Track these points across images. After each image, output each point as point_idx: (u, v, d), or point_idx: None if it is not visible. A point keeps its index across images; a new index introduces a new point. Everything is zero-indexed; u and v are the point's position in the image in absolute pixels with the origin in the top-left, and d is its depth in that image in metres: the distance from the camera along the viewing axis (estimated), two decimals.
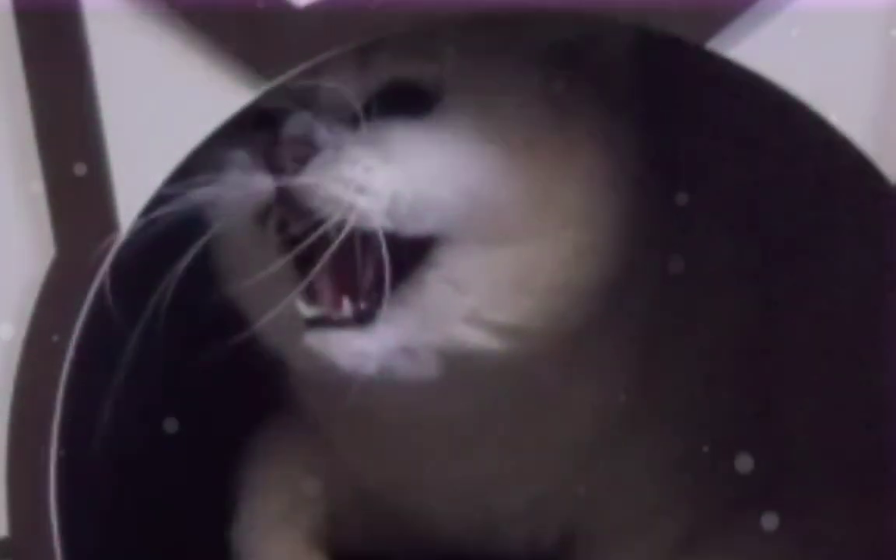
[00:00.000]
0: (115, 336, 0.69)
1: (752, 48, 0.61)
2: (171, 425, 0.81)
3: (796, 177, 0.78)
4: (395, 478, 0.84)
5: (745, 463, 0.76)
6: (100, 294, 0.68)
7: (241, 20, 0.64)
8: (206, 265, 0.73)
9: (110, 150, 0.66)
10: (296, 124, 0.70)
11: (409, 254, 0.71)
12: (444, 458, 0.81)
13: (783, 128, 0.66)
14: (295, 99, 0.70)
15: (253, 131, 0.71)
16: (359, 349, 0.70)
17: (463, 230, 0.71)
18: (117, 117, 0.66)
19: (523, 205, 0.71)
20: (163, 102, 0.66)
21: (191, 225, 0.69)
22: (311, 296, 0.71)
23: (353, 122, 0.70)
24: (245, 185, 0.70)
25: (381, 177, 0.69)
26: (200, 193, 0.69)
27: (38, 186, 0.67)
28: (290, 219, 0.69)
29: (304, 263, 0.70)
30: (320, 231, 0.68)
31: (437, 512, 0.85)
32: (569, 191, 0.73)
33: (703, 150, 0.81)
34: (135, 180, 0.67)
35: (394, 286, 0.69)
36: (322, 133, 0.69)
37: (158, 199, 0.67)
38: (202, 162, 0.70)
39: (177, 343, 0.71)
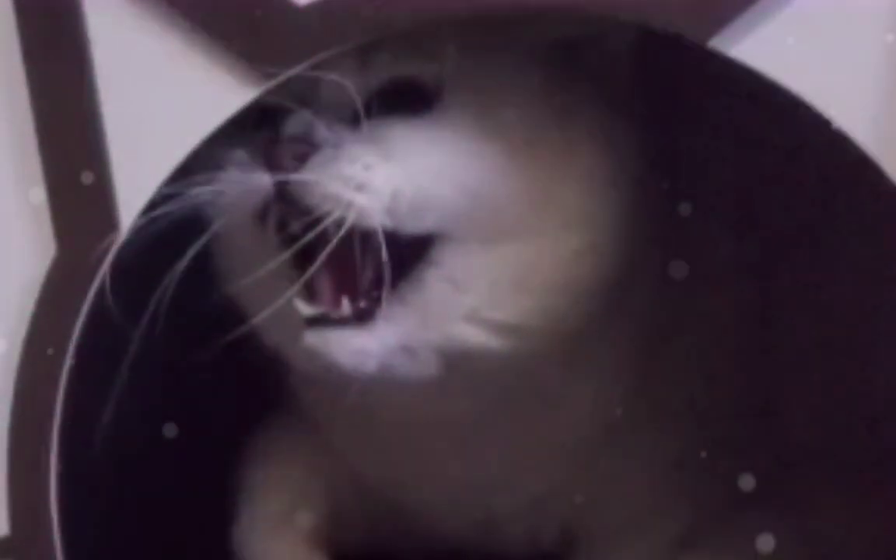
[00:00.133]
0: (115, 335, 0.69)
1: (753, 47, 0.61)
2: (170, 430, 0.81)
3: (797, 175, 0.79)
4: (395, 476, 0.84)
5: (747, 482, 0.76)
6: (100, 293, 0.68)
7: (241, 18, 0.64)
8: (206, 264, 0.73)
9: (111, 149, 0.66)
10: (296, 122, 0.70)
11: (409, 252, 0.71)
12: (444, 456, 0.81)
13: (784, 126, 0.66)
14: (295, 97, 0.70)
15: (253, 129, 0.71)
16: (358, 348, 0.70)
17: (463, 229, 0.71)
18: (118, 116, 0.66)
19: (523, 204, 0.71)
20: (163, 101, 0.66)
21: (191, 224, 0.69)
22: (310, 294, 0.71)
23: (353, 120, 0.70)
24: (245, 183, 0.70)
25: (381, 175, 0.69)
26: (200, 192, 0.69)
27: (38, 184, 0.67)
28: (290, 217, 0.69)
29: (303, 261, 0.70)
30: (320, 229, 0.68)
31: (437, 511, 0.85)
32: (569, 190, 0.73)
33: (703, 149, 0.81)
34: (135, 179, 0.67)
35: (393, 284, 0.69)
36: (322, 131, 0.69)
37: (159, 198, 0.67)
38: (202, 161, 0.70)
39: (177, 342, 0.71)
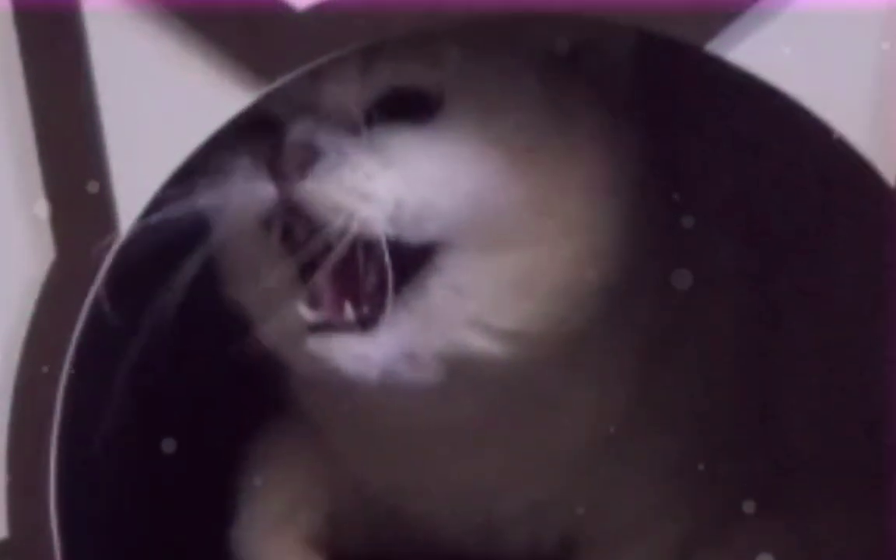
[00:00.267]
0: (115, 338, 0.69)
1: (750, 50, 0.61)
2: (170, 436, 0.81)
3: (795, 180, 0.78)
4: (396, 482, 0.84)
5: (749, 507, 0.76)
6: (99, 297, 0.68)
7: (240, 22, 0.64)
8: (209, 270, 0.73)
9: (110, 153, 0.66)
10: (298, 131, 0.70)
11: (412, 259, 0.71)
12: (446, 461, 0.81)
13: (782, 131, 0.66)
14: (297, 105, 0.71)
15: (255, 136, 0.71)
16: (361, 354, 0.70)
17: (465, 236, 0.71)
18: (117, 120, 0.66)
19: (524, 210, 0.71)
20: (162, 105, 0.66)
21: (193, 231, 0.69)
22: (313, 301, 0.71)
23: (355, 128, 0.70)
24: (248, 192, 0.70)
25: (384, 183, 0.69)
26: (202, 200, 0.69)
27: (37, 188, 0.67)
28: (293, 225, 0.70)
29: (307, 269, 0.70)
30: (323, 237, 0.68)
31: (438, 515, 0.85)
32: (570, 196, 0.73)
33: (702, 155, 0.81)
34: (134, 183, 0.67)
35: (396, 291, 0.70)
36: (324, 140, 0.69)
37: (159, 202, 0.67)
38: (203, 165, 0.70)
39: (179, 346, 0.71)
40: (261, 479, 0.89)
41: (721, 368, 0.82)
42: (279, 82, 0.66)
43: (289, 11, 0.64)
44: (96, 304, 0.68)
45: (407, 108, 0.71)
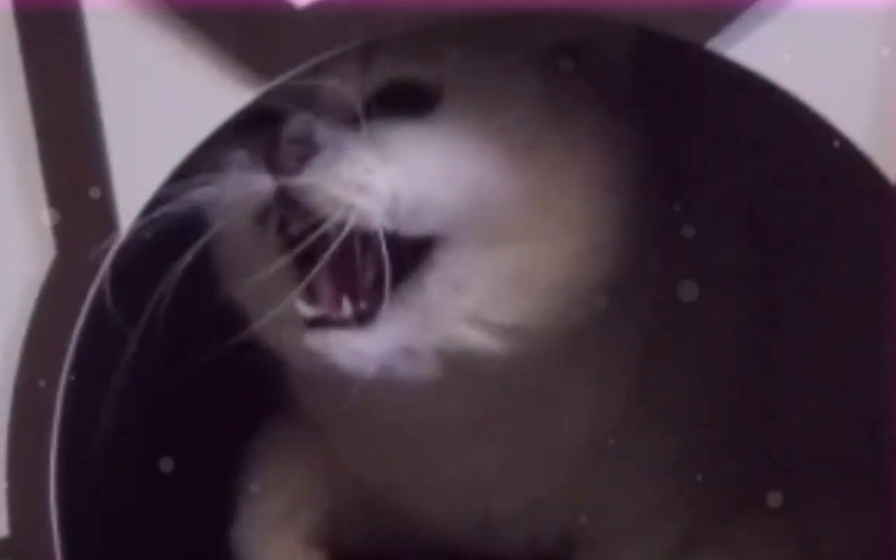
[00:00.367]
0: (115, 336, 0.69)
1: (751, 48, 0.61)
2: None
3: (796, 179, 0.78)
4: (395, 478, 0.84)
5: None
6: (100, 294, 0.68)
7: (240, 20, 0.64)
8: (206, 265, 0.73)
9: (110, 152, 0.66)
10: (296, 124, 0.69)
11: (410, 254, 0.71)
12: (444, 458, 0.81)
13: (783, 128, 0.66)
14: (295, 99, 0.70)
15: (253, 131, 0.71)
16: (359, 349, 0.70)
17: (463, 231, 0.71)
18: (117, 118, 0.66)
19: (523, 205, 0.71)
20: (163, 102, 0.66)
21: (190, 226, 0.69)
22: (311, 296, 0.71)
23: (353, 121, 0.70)
24: (245, 185, 0.70)
25: (382, 177, 0.69)
26: (200, 193, 0.69)
27: (38, 186, 0.67)
28: (291, 219, 0.69)
29: (304, 263, 0.70)
30: (320, 231, 0.68)
31: (437, 512, 0.85)
32: (569, 192, 0.73)
33: (703, 152, 0.81)
34: (134, 180, 0.66)
35: (394, 286, 0.69)
36: (322, 133, 0.69)
37: (158, 200, 0.67)
38: (203, 161, 0.70)
39: (176, 343, 0.71)
40: (260, 478, 0.89)
41: (721, 367, 0.82)
42: (279, 80, 0.66)
43: (289, 9, 0.64)
44: (96, 304, 0.68)
45: (405, 102, 0.71)
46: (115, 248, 0.67)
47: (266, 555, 0.86)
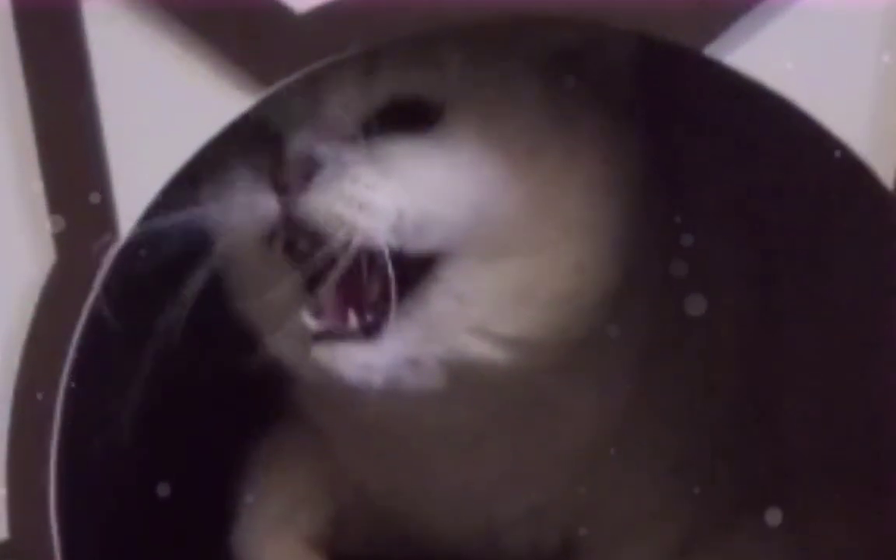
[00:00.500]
0: (116, 342, 0.69)
1: (749, 53, 0.61)
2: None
3: (794, 183, 0.78)
4: (397, 484, 0.84)
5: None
6: (99, 302, 0.68)
7: (240, 25, 0.64)
8: (214, 283, 0.73)
9: (110, 156, 0.66)
10: (300, 143, 0.70)
11: (414, 269, 0.71)
12: (447, 466, 0.81)
13: (780, 134, 0.66)
14: (299, 116, 0.71)
15: (257, 148, 0.72)
16: (365, 362, 0.70)
17: (466, 245, 0.71)
18: (116, 122, 0.66)
19: (525, 218, 0.71)
20: (163, 107, 0.66)
21: (197, 244, 0.70)
22: (317, 310, 0.71)
23: (356, 138, 0.70)
24: (250, 206, 0.70)
25: (386, 194, 0.69)
26: (205, 213, 0.70)
27: (37, 189, 0.67)
28: (296, 238, 0.70)
29: (311, 280, 0.71)
30: (326, 250, 0.68)
31: (439, 519, 0.85)
32: (570, 200, 0.73)
33: (702, 157, 0.81)
34: (134, 184, 0.67)
35: (399, 300, 0.70)
36: (325, 152, 0.69)
37: (159, 206, 0.67)
38: (205, 174, 0.70)
39: (184, 356, 0.72)
40: (262, 480, 0.89)
41: (721, 372, 0.82)
42: (280, 85, 0.66)
43: (289, 14, 0.64)
44: (97, 310, 0.68)
45: (408, 118, 0.71)
46: (114, 253, 0.67)
47: (265, 555, 0.86)
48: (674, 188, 0.78)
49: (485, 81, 0.72)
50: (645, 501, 0.83)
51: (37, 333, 0.68)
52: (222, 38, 0.64)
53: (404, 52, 0.70)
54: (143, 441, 0.76)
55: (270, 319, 0.74)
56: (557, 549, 0.86)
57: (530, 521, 0.85)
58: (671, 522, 0.83)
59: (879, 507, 0.71)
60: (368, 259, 0.69)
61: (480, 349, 0.73)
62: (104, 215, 0.67)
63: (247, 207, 0.70)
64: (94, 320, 0.68)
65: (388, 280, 0.69)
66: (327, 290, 0.70)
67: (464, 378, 0.73)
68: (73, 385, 0.69)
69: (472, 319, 0.72)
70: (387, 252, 0.68)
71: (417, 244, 0.70)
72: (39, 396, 0.69)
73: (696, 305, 0.76)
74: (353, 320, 0.71)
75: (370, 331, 0.71)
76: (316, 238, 0.69)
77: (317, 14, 0.64)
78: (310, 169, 0.69)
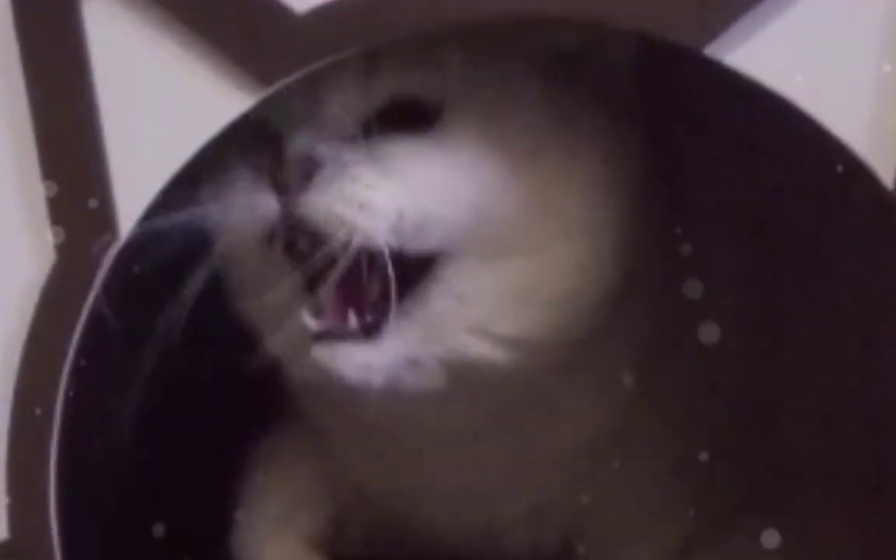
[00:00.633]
0: (115, 342, 0.69)
1: (749, 53, 0.61)
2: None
3: (794, 183, 0.78)
4: (397, 485, 0.84)
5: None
6: (98, 303, 0.68)
7: (240, 25, 0.64)
8: (214, 284, 0.73)
9: (110, 156, 0.66)
10: (299, 143, 0.70)
11: (414, 269, 0.71)
12: (447, 466, 0.81)
13: (780, 133, 0.66)
14: (299, 116, 0.71)
15: (257, 148, 0.72)
16: (365, 361, 0.70)
17: (466, 245, 0.71)
18: (116, 122, 0.66)
19: (525, 217, 0.72)
20: (162, 107, 0.66)
21: (197, 244, 0.70)
22: (317, 310, 0.71)
23: (356, 139, 0.70)
24: (250, 207, 0.70)
25: (386, 195, 0.69)
26: (205, 213, 0.70)
27: (37, 191, 0.67)
28: (297, 239, 0.70)
29: (311, 280, 0.71)
30: (326, 250, 0.68)
31: (439, 519, 0.85)
32: (570, 200, 0.73)
33: (702, 157, 0.81)
34: (134, 184, 0.67)
35: (399, 300, 0.70)
36: (325, 152, 0.69)
37: (159, 206, 0.67)
38: (205, 174, 0.70)
39: (183, 355, 0.72)
40: (262, 478, 0.89)
41: (721, 371, 0.82)
42: (280, 85, 0.66)
43: (289, 14, 0.64)
44: (96, 309, 0.68)
45: (407, 118, 0.71)
46: (114, 252, 0.67)
47: (266, 555, 0.86)
48: (674, 188, 0.78)
49: (485, 81, 0.72)
50: (645, 502, 0.83)
51: (37, 334, 0.68)
52: (222, 38, 0.65)
53: (404, 53, 0.70)
54: (143, 441, 0.76)
55: (270, 319, 0.74)
56: (557, 549, 0.86)
57: (530, 522, 0.85)
58: (671, 523, 0.83)
59: (879, 508, 0.72)
60: (368, 259, 0.69)
61: (480, 349, 0.73)
62: (104, 215, 0.67)
63: (247, 207, 0.71)
64: (94, 321, 0.68)
65: (388, 280, 0.69)
66: (327, 290, 0.70)
67: (464, 378, 0.73)
68: (72, 385, 0.69)
69: (472, 319, 0.72)
70: (387, 252, 0.69)
71: (417, 244, 0.70)
72: (39, 398, 0.69)
73: (709, 334, 0.76)
74: (352, 320, 0.71)
75: (370, 331, 0.71)
76: (316, 238, 0.69)
77: (317, 14, 0.64)
78: (309, 169, 0.69)
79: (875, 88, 0.61)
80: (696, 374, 0.82)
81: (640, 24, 0.63)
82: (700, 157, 0.81)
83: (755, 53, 0.61)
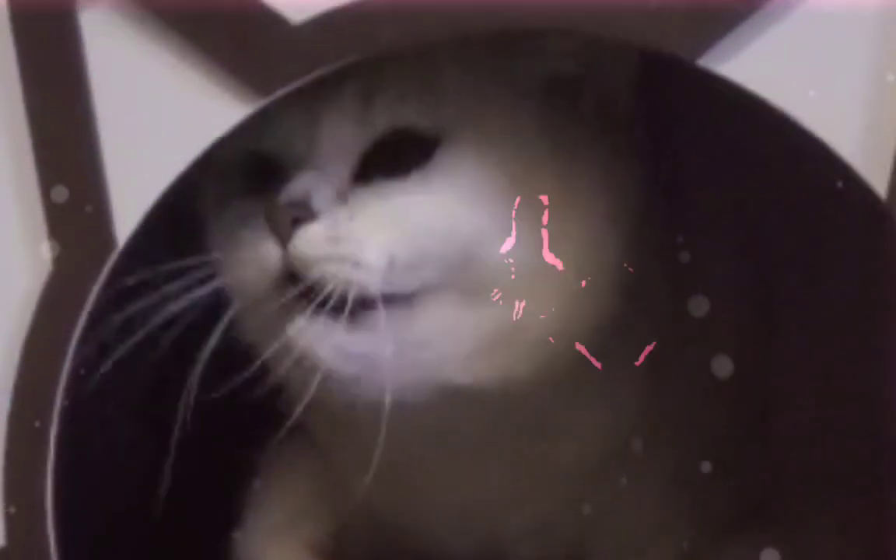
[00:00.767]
0: (114, 352, 0.70)
1: (743, 63, 0.61)
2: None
3: (788, 193, 0.78)
4: (401, 501, 0.84)
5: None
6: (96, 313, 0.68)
7: (236, 35, 0.65)
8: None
9: (106, 166, 0.67)
10: (293, 188, 0.70)
11: (404, 302, 0.71)
12: (450, 479, 0.81)
13: (773, 144, 0.66)
14: (296, 148, 0.71)
15: (256, 181, 0.72)
16: (341, 344, 0.70)
17: (452, 282, 0.71)
18: (112, 132, 0.66)
19: (516, 261, 0.71)
20: (158, 117, 0.66)
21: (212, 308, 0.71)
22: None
23: (352, 178, 0.71)
24: (255, 262, 0.71)
25: (379, 249, 0.69)
26: (219, 280, 0.71)
27: (34, 201, 0.67)
28: (294, 282, 0.70)
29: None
30: (322, 298, 0.69)
31: (442, 532, 0.85)
32: (570, 229, 0.72)
33: (702, 172, 0.81)
34: (130, 195, 0.67)
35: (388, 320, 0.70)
36: (320, 198, 0.69)
37: (153, 216, 0.67)
38: (208, 214, 0.72)
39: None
40: (264, 488, 0.89)
41: (720, 383, 0.82)
42: (280, 109, 0.66)
43: (285, 24, 0.64)
44: (92, 323, 0.68)
45: (405, 150, 0.71)
46: (111, 261, 0.67)
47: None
48: (673, 202, 0.78)
49: (483, 112, 0.72)
50: (648, 513, 0.83)
51: (33, 343, 0.68)
52: (218, 47, 0.65)
53: (402, 86, 0.70)
54: (142, 452, 0.77)
55: (272, 340, 0.74)
56: None
57: (535, 538, 0.85)
58: (673, 533, 0.83)
59: (875, 517, 0.71)
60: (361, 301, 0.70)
61: (462, 378, 0.72)
62: (100, 225, 0.67)
63: (252, 264, 0.71)
64: (92, 331, 0.69)
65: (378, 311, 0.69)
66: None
67: (457, 400, 0.73)
68: (70, 391, 0.69)
69: (455, 353, 0.72)
70: (380, 298, 0.69)
71: (408, 283, 0.70)
72: (38, 408, 0.69)
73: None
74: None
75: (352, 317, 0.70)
76: (310, 288, 0.69)
77: (313, 24, 0.64)
78: (303, 215, 0.69)
79: (870, 98, 0.61)
80: (697, 387, 0.81)
81: (634, 35, 0.63)
82: (699, 173, 0.80)
83: (749, 64, 0.61)
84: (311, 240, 0.69)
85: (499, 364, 0.73)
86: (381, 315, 0.69)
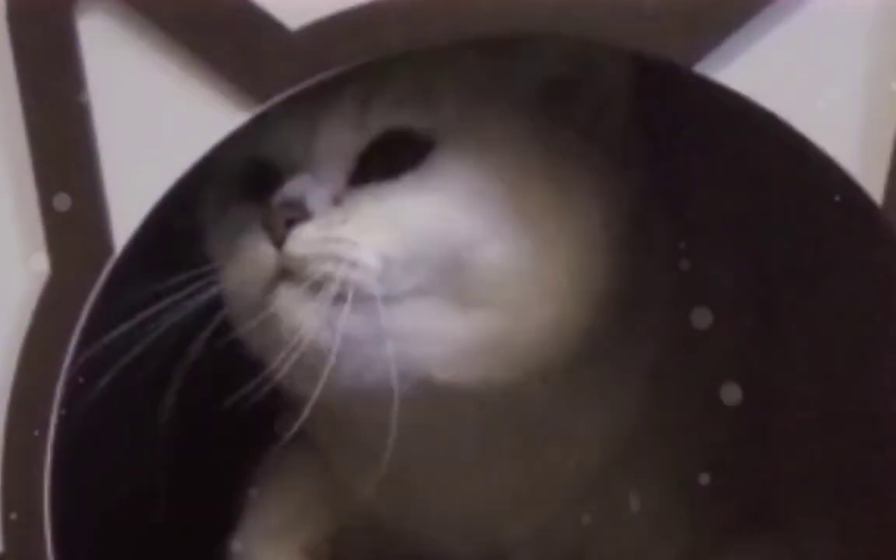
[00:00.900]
0: (112, 360, 0.70)
1: (739, 70, 0.61)
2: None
3: (791, 205, 0.78)
4: (400, 506, 0.84)
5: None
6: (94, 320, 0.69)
7: (234, 42, 0.65)
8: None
9: (104, 172, 0.67)
10: (289, 189, 0.70)
11: (394, 301, 0.71)
12: (449, 485, 0.81)
13: (771, 152, 0.66)
14: (292, 152, 0.71)
15: (253, 184, 0.73)
16: (326, 318, 0.69)
17: (443, 285, 0.71)
18: (110, 137, 0.67)
19: (508, 269, 0.71)
20: (156, 123, 0.66)
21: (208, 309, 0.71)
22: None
23: (348, 179, 0.71)
24: (251, 262, 0.71)
25: (370, 248, 0.69)
26: (217, 287, 0.71)
27: (31, 207, 0.67)
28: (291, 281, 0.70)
29: None
30: (319, 299, 0.68)
31: (441, 538, 0.85)
32: (562, 232, 0.72)
33: (699, 179, 0.81)
34: (128, 201, 0.67)
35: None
36: (315, 199, 0.70)
37: (150, 222, 0.67)
38: (207, 218, 0.72)
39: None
40: (262, 490, 0.89)
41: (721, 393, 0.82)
42: (277, 110, 0.66)
43: (283, 31, 0.65)
44: (91, 328, 0.68)
45: (400, 151, 0.71)
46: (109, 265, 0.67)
47: None
48: (672, 211, 0.78)
49: (478, 115, 0.72)
50: (647, 518, 0.83)
51: (31, 347, 0.68)
52: (216, 54, 0.65)
53: (398, 88, 0.71)
54: (140, 458, 0.77)
55: (274, 342, 0.74)
56: None
57: (535, 544, 0.84)
58: (672, 539, 0.83)
59: (875, 524, 0.71)
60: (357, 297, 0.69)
61: (446, 377, 0.72)
62: (98, 231, 0.67)
63: (250, 262, 0.71)
64: (90, 339, 0.69)
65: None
66: None
67: (462, 399, 0.73)
68: (68, 396, 0.69)
69: (436, 354, 0.71)
70: (379, 299, 0.69)
71: (403, 285, 0.70)
72: (35, 416, 0.69)
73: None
74: None
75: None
76: (310, 282, 0.69)
77: (310, 30, 0.64)
78: (298, 215, 0.69)
79: (866, 105, 0.61)
80: (698, 393, 0.81)
81: (631, 41, 0.63)
82: (696, 180, 0.81)
83: (746, 71, 0.61)
84: (305, 240, 0.69)
85: (477, 370, 0.72)
86: (377, 311, 0.69)
